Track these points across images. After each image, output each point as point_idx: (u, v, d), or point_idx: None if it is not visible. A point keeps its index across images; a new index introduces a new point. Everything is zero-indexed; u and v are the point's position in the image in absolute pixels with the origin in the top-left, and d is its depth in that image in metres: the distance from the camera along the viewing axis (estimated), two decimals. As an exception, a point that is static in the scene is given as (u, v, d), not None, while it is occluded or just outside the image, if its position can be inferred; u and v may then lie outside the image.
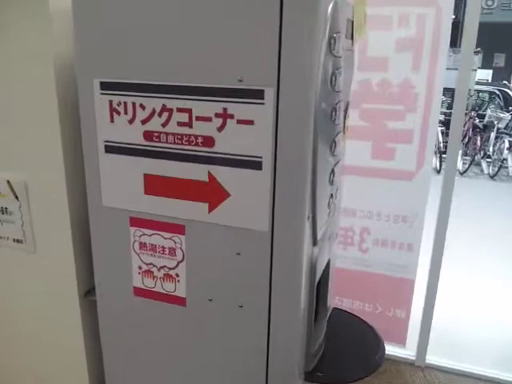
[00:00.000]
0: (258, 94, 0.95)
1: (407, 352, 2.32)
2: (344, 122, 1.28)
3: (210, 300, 1.14)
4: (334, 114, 1.04)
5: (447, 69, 1.88)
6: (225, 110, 0.99)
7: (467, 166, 6.79)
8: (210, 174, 1.05)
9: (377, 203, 2.18)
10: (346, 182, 2.22)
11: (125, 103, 1.08)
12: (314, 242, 1.11)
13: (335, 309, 1.51)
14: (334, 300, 2.42)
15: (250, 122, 0.98)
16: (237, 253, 1.08)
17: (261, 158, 0.99)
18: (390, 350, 2.31)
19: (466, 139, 7.14)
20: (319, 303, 1.32)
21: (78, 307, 1.34)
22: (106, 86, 1.09)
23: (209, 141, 1.03)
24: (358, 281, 2.32)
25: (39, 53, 1.16)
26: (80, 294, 1.34)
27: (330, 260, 1.31)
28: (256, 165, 1.00)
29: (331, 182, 1.11)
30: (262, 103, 0.96)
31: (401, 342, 2.30)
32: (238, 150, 1.01)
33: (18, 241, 1.36)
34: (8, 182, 1.30)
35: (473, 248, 3.66)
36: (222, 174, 1.04)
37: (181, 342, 1.22)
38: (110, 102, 1.09)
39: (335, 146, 1.08)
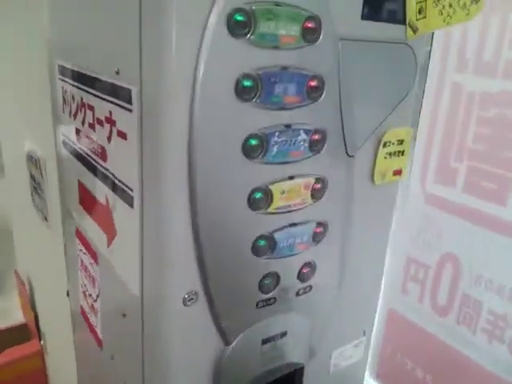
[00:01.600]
0: (127, 95, 0.62)
1: None
2: (375, 161, 0.78)
3: (112, 359, 0.87)
4: (260, 143, 0.60)
5: None
6: (110, 113, 0.69)
7: None
8: (106, 198, 0.77)
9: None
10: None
11: (66, 91, 0.89)
12: (226, 341, 0.70)
13: None
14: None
15: (124, 136, 0.66)
16: (122, 314, 0.78)
17: (132, 190, 0.66)
18: None
19: None
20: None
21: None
22: (60, 70, 0.92)
23: (103, 153, 0.75)
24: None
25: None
26: (69, 291, 1.25)
27: (306, 368, 0.83)
28: (129, 200, 0.67)
29: (262, 256, 0.67)
30: (130, 110, 0.62)
31: None
32: (121, 173, 0.70)
33: (45, 219, 1.36)
34: (39, 158, 1.29)
35: None
36: (114, 202, 0.74)
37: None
38: (62, 89, 0.92)
39: (270, 200, 0.63)
